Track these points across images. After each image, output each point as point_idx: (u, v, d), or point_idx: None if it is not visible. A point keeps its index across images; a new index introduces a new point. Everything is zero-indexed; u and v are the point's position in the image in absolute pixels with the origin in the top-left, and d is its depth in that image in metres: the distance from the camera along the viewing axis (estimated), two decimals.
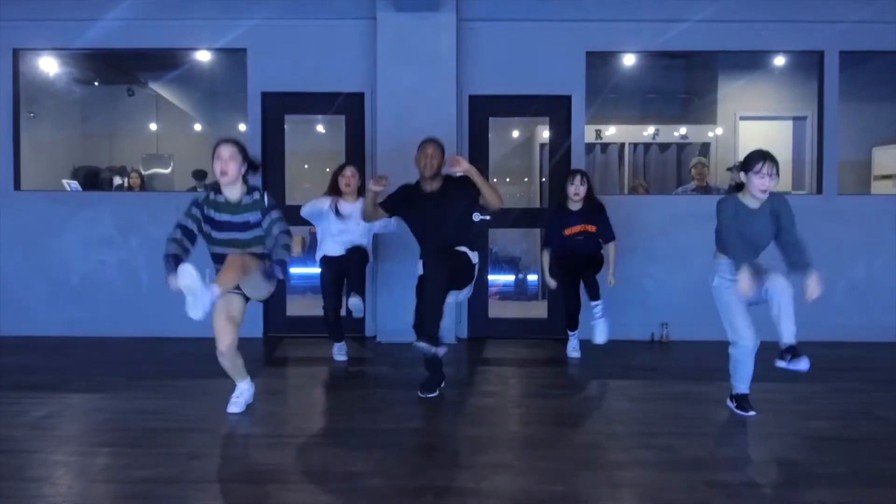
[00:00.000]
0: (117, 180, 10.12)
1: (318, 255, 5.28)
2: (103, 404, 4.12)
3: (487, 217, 5.98)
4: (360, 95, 6.08)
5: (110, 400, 4.20)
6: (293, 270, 6.87)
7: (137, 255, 6.12)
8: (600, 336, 5.29)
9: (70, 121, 11.44)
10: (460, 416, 4.00)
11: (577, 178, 5.35)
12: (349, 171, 5.21)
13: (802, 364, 3.61)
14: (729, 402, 4.08)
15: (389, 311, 5.94)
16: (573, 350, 5.51)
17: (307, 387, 4.70)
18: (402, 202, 4.48)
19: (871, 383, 4.68)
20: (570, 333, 5.55)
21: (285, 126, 6.21)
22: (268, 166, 6.13)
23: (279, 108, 6.16)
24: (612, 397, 4.42)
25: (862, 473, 3.10)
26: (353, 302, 4.90)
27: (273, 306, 6.10)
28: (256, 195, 3.75)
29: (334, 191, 5.22)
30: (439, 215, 4.31)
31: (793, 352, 3.64)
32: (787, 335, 3.65)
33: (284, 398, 4.48)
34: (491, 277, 6.82)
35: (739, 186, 3.82)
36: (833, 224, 6.04)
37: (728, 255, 3.78)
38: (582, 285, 5.36)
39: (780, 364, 3.67)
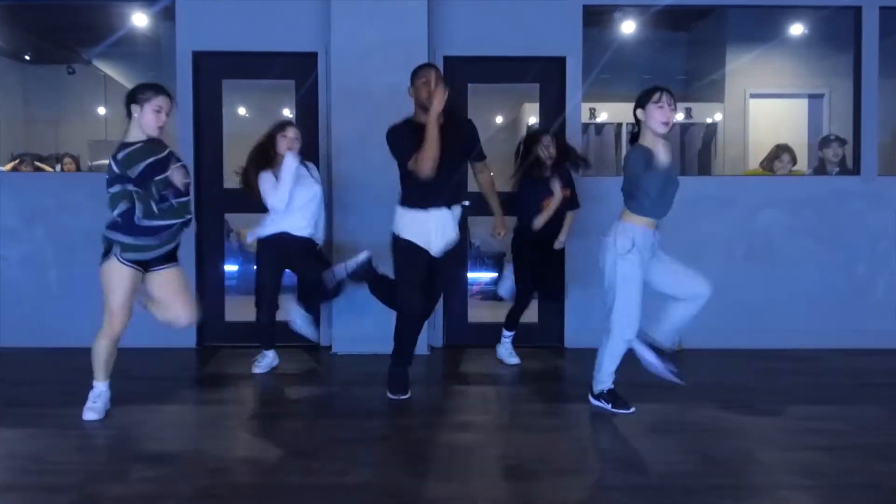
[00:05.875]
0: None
1: (269, 232, 4.29)
2: None
3: (467, 203, 5.01)
4: (313, 56, 5.08)
5: None
6: (229, 268, 5.80)
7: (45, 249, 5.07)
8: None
9: (10, 104, 10.49)
10: (425, 461, 2.98)
11: (547, 139, 4.59)
12: (292, 133, 4.28)
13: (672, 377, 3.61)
14: (601, 403, 3.64)
15: (347, 315, 4.93)
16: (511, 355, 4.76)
17: (226, 417, 3.60)
18: (412, 142, 3.68)
19: None
20: (509, 334, 4.77)
21: (222, 93, 5.19)
22: (202, 141, 5.12)
23: (215, 71, 5.15)
24: (622, 429, 3.41)
25: None
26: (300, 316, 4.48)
27: (209, 311, 5.03)
28: None
29: (265, 158, 4.25)
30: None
31: (669, 356, 3.69)
32: (671, 338, 3.72)
33: (191, 432, 3.42)
34: (472, 275, 5.89)
35: (635, 137, 3.49)
36: (872, 210, 5.23)
37: (644, 212, 3.43)
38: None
39: (650, 360, 3.61)
